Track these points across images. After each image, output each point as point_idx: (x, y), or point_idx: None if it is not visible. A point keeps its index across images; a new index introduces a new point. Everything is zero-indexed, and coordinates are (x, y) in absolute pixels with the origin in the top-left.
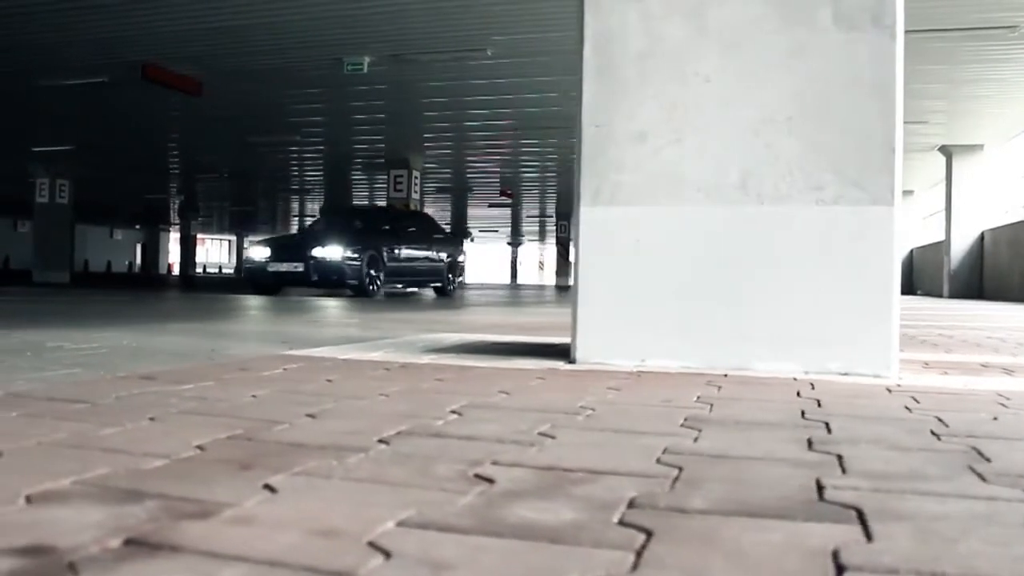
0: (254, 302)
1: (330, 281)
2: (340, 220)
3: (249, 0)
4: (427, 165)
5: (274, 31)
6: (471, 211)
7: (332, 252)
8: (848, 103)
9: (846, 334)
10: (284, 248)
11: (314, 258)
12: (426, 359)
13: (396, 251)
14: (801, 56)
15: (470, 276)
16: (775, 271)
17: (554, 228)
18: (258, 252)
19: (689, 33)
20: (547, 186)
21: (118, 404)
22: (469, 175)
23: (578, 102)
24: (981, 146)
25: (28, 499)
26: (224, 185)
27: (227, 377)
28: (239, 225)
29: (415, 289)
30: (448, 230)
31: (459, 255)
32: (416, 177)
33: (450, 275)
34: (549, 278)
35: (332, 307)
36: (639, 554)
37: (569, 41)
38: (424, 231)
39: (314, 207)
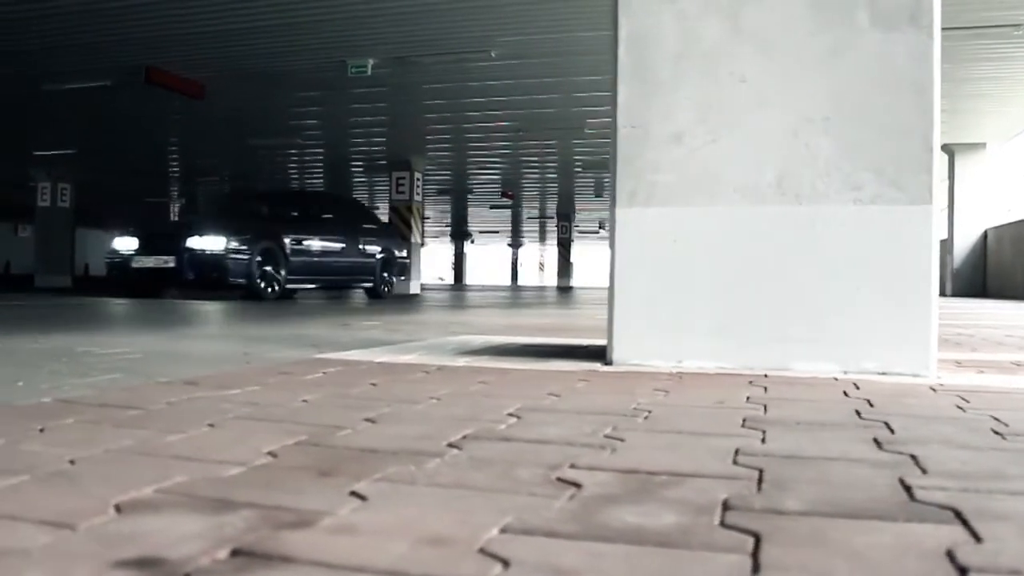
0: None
1: (209, 279)
2: (232, 205)
3: (253, 3)
4: (429, 166)
5: (278, 34)
6: (472, 212)
7: (212, 243)
8: (886, 103)
9: (885, 334)
10: (153, 238)
11: (189, 250)
12: (461, 362)
13: (305, 243)
14: (838, 56)
15: (471, 278)
16: (812, 271)
17: (555, 229)
18: (123, 243)
19: (724, 34)
20: (547, 187)
21: (172, 410)
22: (470, 176)
23: (612, 103)
24: (983, 144)
25: (118, 508)
26: (224, 188)
27: (270, 382)
28: None
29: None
30: (385, 220)
31: (397, 249)
32: (418, 179)
33: (384, 274)
34: (550, 279)
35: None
36: (754, 556)
37: (574, 42)
38: (348, 219)
39: None
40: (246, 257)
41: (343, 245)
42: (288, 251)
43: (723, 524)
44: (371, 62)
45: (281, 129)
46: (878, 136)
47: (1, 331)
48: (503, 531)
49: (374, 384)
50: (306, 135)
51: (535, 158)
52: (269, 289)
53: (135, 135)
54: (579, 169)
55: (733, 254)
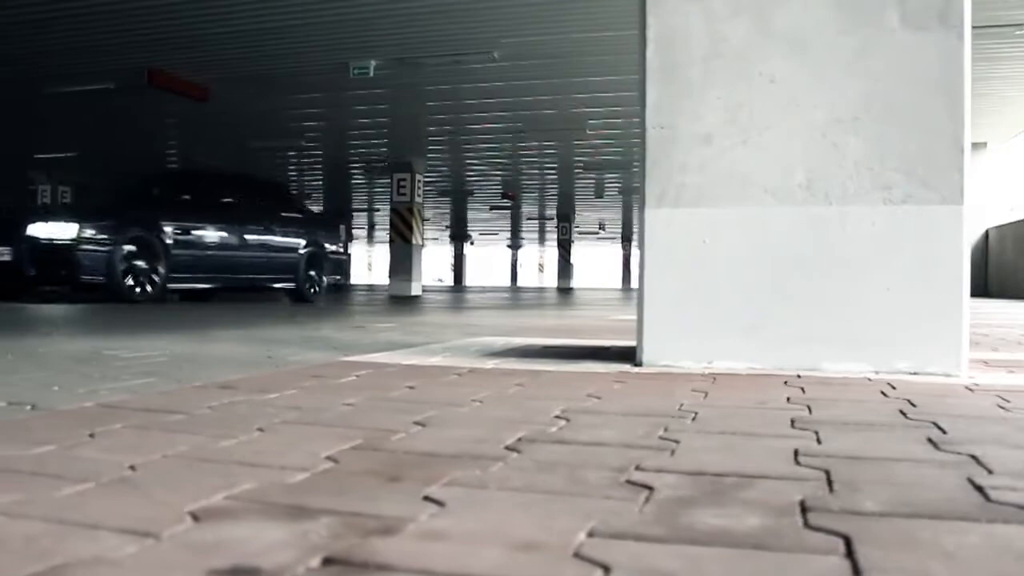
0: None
1: (55, 276)
2: (105, 188)
3: (257, 5)
4: (429, 168)
5: (281, 36)
6: (472, 214)
7: (59, 230)
8: (916, 103)
9: (916, 334)
10: None
11: (29, 240)
12: (490, 364)
13: (195, 232)
14: (868, 56)
15: (471, 279)
16: (843, 271)
17: (554, 231)
18: None
19: (754, 34)
20: (547, 188)
21: (216, 415)
22: (471, 178)
23: (640, 104)
24: (984, 144)
25: (195, 516)
26: None
27: (306, 385)
28: None
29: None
30: (318, 209)
31: (330, 243)
32: (419, 180)
33: (311, 272)
34: (549, 280)
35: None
36: (851, 558)
37: (576, 44)
38: (262, 206)
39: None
40: (106, 249)
41: (253, 236)
42: (170, 242)
43: (808, 526)
44: (373, 64)
45: (283, 131)
46: (908, 136)
47: (16, 333)
48: (591, 535)
49: (411, 387)
50: (308, 137)
51: (535, 159)
52: (142, 289)
53: (136, 137)
54: (579, 170)
55: (763, 254)
